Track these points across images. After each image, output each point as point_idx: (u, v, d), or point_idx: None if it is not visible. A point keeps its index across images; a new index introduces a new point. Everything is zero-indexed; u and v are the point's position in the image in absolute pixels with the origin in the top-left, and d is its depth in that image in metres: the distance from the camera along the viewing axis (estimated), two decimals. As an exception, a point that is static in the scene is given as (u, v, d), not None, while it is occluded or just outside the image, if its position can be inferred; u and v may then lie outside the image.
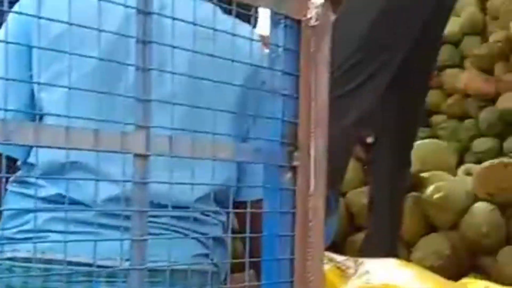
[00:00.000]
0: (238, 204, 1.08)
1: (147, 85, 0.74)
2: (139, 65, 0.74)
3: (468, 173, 2.46)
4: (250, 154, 0.90)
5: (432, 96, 3.93)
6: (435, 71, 3.91)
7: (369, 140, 2.09)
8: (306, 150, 0.93)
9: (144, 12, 0.74)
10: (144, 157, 0.74)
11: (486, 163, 2.12)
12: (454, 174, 2.40)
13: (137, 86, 0.74)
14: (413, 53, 1.81)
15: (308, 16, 0.99)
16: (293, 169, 0.92)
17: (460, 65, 3.88)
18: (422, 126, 3.96)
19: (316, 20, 1.00)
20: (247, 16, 0.96)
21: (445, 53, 3.84)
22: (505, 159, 2.12)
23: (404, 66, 1.79)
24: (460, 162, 3.20)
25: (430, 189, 2.10)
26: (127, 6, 0.76)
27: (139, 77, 0.74)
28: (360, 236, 2.16)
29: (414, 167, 2.17)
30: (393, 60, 1.78)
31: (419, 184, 2.18)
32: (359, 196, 2.28)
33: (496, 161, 2.10)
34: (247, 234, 0.87)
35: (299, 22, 0.98)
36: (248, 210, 0.92)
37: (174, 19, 0.77)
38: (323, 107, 0.96)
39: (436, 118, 3.88)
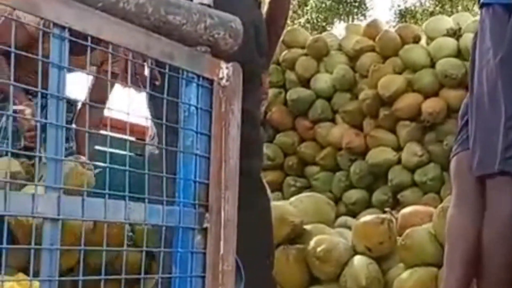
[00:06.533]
0: None
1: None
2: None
3: (344, 226, 2.55)
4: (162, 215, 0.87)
5: (306, 148, 4.08)
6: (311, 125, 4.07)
7: None
8: (216, 212, 0.92)
9: None
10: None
11: (364, 218, 2.21)
12: (333, 226, 2.48)
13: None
14: None
15: (220, 76, 1.00)
16: (204, 231, 0.90)
17: (332, 120, 4.05)
18: (298, 176, 4.10)
19: (227, 80, 1.00)
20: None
21: (318, 108, 4.01)
22: (381, 215, 2.22)
23: None
24: (332, 212, 3.31)
25: (313, 242, 2.15)
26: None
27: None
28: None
29: (296, 219, 2.21)
30: None
31: (301, 236, 2.23)
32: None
33: (373, 216, 2.19)
34: None
35: (211, 81, 0.98)
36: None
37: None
38: (234, 168, 0.96)
39: (310, 169, 4.01)
